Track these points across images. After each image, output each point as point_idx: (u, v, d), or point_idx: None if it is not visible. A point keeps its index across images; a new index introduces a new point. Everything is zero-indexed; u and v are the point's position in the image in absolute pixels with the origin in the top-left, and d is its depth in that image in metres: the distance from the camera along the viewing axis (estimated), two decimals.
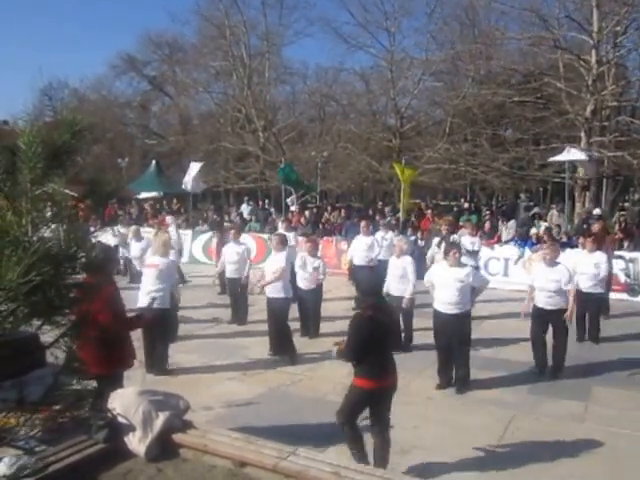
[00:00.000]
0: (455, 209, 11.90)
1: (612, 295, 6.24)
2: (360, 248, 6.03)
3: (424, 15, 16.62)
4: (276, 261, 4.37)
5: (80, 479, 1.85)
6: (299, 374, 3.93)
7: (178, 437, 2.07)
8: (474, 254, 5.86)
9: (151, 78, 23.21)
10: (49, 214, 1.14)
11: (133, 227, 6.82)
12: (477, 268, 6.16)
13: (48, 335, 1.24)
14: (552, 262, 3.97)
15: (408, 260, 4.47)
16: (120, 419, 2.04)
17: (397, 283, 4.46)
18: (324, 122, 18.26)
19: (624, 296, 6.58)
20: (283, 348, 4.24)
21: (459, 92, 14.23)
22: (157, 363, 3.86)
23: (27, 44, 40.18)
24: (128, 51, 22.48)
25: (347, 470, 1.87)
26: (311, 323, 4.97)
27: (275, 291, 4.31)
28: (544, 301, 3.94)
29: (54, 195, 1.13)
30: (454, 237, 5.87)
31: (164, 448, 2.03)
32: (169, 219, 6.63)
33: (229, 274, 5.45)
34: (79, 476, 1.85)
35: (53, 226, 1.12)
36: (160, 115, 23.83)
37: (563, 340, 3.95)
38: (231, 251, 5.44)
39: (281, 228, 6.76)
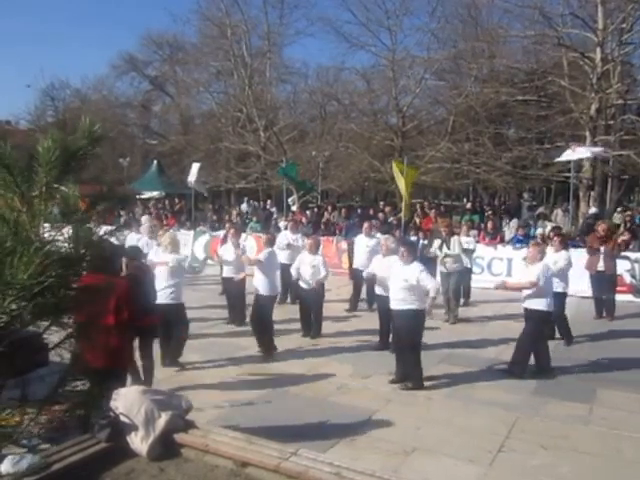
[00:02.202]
0: (442, 208, 11.76)
1: (617, 297, 6.19)
2: (362, 250, 5.91)
3: (426, 13, 16.70)
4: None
5: (82, 478, 1.85)
6: (301, 374, 3.93)
7: (180, 437, 2.07)
8: (468, 253, 5.85)
9: (152, 78, 23.30)
10: (60, 215, 1.16)
11: (148, 224, 6.78)
12: (470, 269, 6.17)
13: (52, 334, 1.24)
14: (533, 260, 3.98)
15: (394, 260, 4.36)
16: (122, 418, 2.04)
17: (385, 283, 4.38)
18: (325, 121, 18.22)
19: (629, 297, 6.53)
20: (262, 344, 4.34)
21: (461, 91, 14.13)
22: (171, 354, 4.00)
23: (27, 43, 40.46)
24: (129, 51, 22.67)
25: (348, 471, 1.86)
26: (313, 323, 4.96)
27: (260, 288, 4.41)
28: (524, 299, 3.97)
29: (66, 198, 1.15)
30: (467, 239, 5.88)
31: (166, 448, 2.03)
32: (144, 219, 6.60)
33: (226, 273, 5.42)
34: (81, 475, 1.85)
35: (65, 229, 1.14)
36: (161, 115, 23.93)
37: (524, 339, 3.88)
38: (229, 251, 5.43)
39: (288, 230, 6.63)
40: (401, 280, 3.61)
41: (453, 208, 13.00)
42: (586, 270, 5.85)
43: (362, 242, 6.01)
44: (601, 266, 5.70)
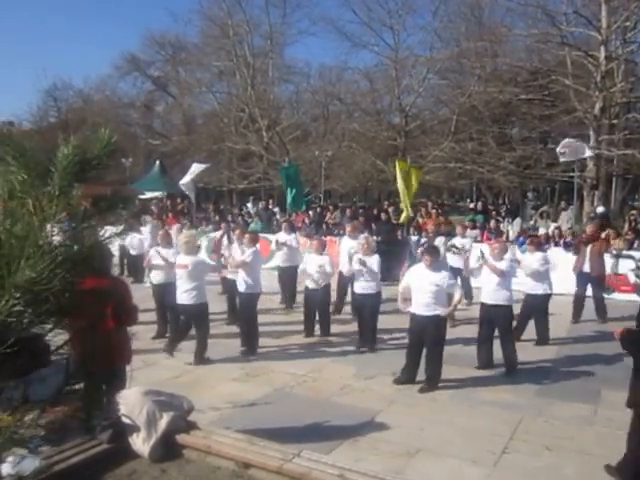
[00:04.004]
0: (440, 209, 11.56)
1: (621, 296, 6.16)
2: (347, 253, 5.37)
3: (428, 12, 16.57)
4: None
5: (84, 479, 1.85)
6: (304, 375, 3.92)
7: (182, 438, 2.06)
8: (462, 253, 5.70)
9: (155, 78, 23.37)
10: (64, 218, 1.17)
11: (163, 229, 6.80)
12: (460, 270, 5.59)
13: (55, 336, 1.24)
14: (498, 257, 3.98)
15: (375, 258, 4.41)
16: (124, 419, 2.03)
17: (363, 282, 4.40)
18: (328, 121, 18.19)
19: (633, 297, 6.46)
20: (247, 341, 4.35)
21: (464, 90, 14.06)
22: (198, 354, 4.10)
23: (28, 43, 40.65)
24: (131, 51, 22.73)
25: (352, 472, 1.85)
26: (320, 323, 4.92)
27: (243, 287, 4.42)
28: (487, 296, 3.94)
29: (71, 199, 1.17)
30: (463, 240, 5.82)
31: (168, 449, 2.02)
32: (146, 219, 6.67)
33: (228, 274, 5.37)
34: (83, 476, 1.85)
35: (68, 229, 1.15)
36: (164, 115, 24.01)
37: (508, 338, 3.89)
38: (236, 252, 5.33)
39: (282, 230, 6.58)
40: (431, 285, 3.53)
41: (456, 208, 12.90)
42: (573, 271, 5.78)
43: (347, 244, 5.56)
44: (587, 267, 5.61)
